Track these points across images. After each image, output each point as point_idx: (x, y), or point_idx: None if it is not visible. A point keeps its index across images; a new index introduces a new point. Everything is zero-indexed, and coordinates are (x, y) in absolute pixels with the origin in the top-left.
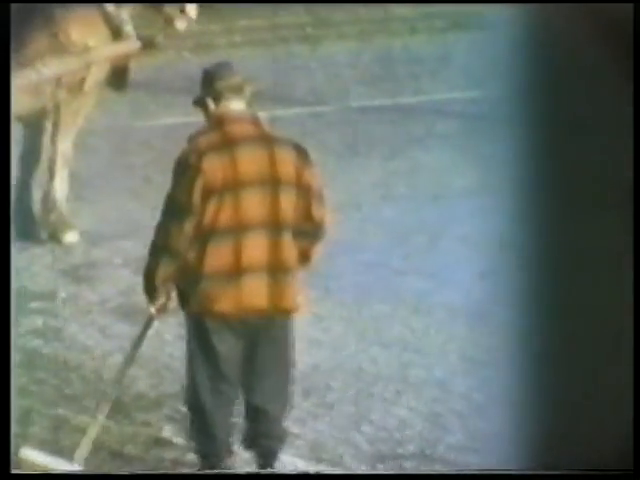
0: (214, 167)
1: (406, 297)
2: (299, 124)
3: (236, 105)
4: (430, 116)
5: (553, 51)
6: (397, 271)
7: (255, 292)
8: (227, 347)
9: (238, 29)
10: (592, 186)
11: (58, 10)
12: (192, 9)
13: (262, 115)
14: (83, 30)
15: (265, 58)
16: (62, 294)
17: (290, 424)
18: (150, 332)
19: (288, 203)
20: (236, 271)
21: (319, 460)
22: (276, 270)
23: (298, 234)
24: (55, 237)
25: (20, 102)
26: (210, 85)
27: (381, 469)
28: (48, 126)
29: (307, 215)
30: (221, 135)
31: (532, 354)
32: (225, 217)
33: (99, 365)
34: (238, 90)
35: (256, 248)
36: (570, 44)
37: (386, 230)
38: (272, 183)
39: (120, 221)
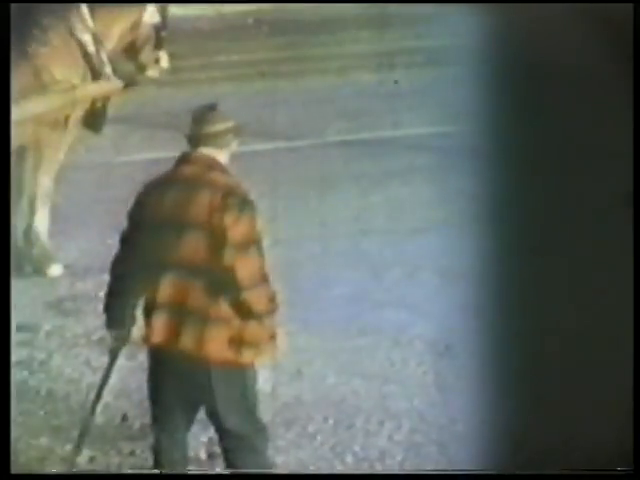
0: (144, 204)
1: (386, 330)
2: (279, 158)
3: (209, 151)
4: (409, 150)
5: (531, 80)
6: (376, 304)
7: (157, 328)
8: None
9: (218, 64)
10: (575, 215)
11: (35, 47)
12: (165, 60)
13: (240, 150)
14: (65, 69)
15: (245, 93)
16: (47, 327)
17: (273, 454)
18: (134, 363)
19: (193, 245)
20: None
21: None
22: (180, 310)
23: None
24: (39, 270)
25: None
26: (190, 128)
27: None
28: (29, 162)
29: (217, 263)
30: (167, 175)
31: (515, 377)
32: (149, 255)
33: (85, 397)
34: (214, 138)
35: (166, 288)
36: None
37: (365, 263)
38: (177, 225)
39: (103, 254)
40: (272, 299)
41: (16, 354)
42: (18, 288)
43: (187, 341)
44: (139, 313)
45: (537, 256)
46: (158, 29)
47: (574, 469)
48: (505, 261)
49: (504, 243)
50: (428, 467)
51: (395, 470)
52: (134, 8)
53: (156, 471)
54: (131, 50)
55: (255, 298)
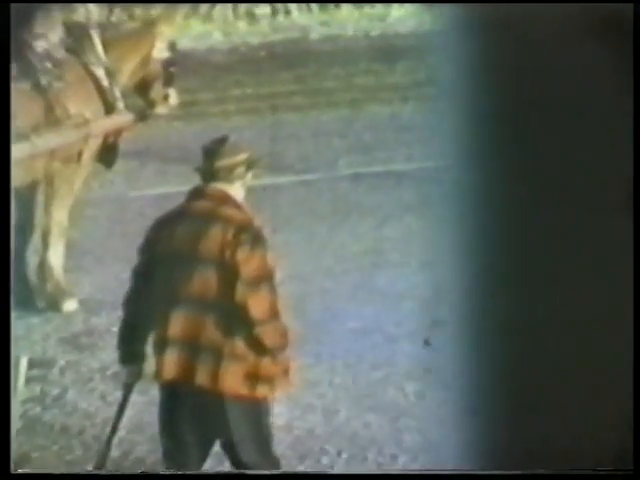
0: (155, 239)
1: (399, 363)
2: (290, 192)
3: (222, 186)
4: (422, 183)
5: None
6: (389, 337)
7: (168, 364)
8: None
9: (230, 98)
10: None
11: (49, 81)
12: (174, 97)
13: (251, 184)
14: (79, 103)
15: (256, 127)
16: (62, 362)
17: None
18: (147, 399)
19: (204, 280)
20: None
21: None
22: (193, 346)
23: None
24: (53, 306)
25: (12, 175)
26: (201, 163)
27: None
28: (40, 197)
29: (230, 298)
30: (178, 209)
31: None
32: (160, 290)
33: (100, 431)
34: (226, 171)
35: (177, 323)
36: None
37: (378, 296)
38: (189, 260)
39: (118, 289)
40: (284, 335)
41: (29, 390)
42: (31, 324)
43: (202, 377)
44: (150, 349)
45: (549, 279)
46: (167, 65)
47: (574, 469)
48: (519, 290)
49: (519, 273)
50: None
51: (395, 471)
52: (144, 43)
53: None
54: (141, 86)
55: (267, 334)
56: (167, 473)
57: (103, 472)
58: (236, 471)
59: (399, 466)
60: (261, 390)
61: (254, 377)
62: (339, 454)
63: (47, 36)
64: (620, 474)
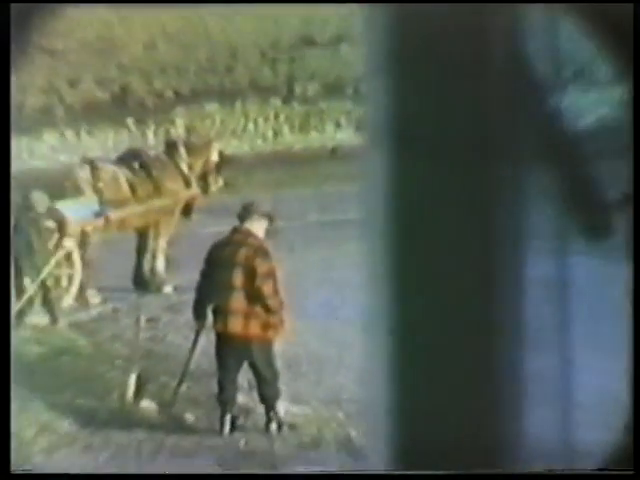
0: (213, 254)
1: (354, 318)
2: (294, 231)
3: (249, 226)
4: (362, 225)
5: None
6: (345, 311)
7: (221, 321)
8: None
9: (255, 182)
10: None
11: (157, 172)
12: (221, 182)
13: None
14: (173, 184)
15: (268, 198)
16: (164, 319)
17: (281, 384)
18: (208, 341)
19: (238, 276)
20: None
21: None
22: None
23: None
24: (159, 289)
25: (134, 222)
26: (239, 213)
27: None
28: (151, 234)
29: (252, 285)
30: (225, 239)
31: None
32: (214, 281)
33: (185, 355)
34: (253, 219)
35: (224, 298)
36: None
37: (336, 287)
38: (229, 266)
39: (193, 280)
40: (281, 304)
41: (147, 333)
42: (147, 299)
43: (238, 327)
44: (209, 312)
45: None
46: (218, 165)
47: (574, 469)
48: (519, 291)
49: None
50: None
51: (401, 471)
52: (206, 152)
53: (164, 472)
54: (203, 176)
55: (273, 303)
56: (167, 473)
57: (103, 473)
58: (235, 472)
59: (343, 374)
60: (270, 334)
61: (266, 326)
62: (317, 372)
63: (157, 148)
64: (620, 474)
